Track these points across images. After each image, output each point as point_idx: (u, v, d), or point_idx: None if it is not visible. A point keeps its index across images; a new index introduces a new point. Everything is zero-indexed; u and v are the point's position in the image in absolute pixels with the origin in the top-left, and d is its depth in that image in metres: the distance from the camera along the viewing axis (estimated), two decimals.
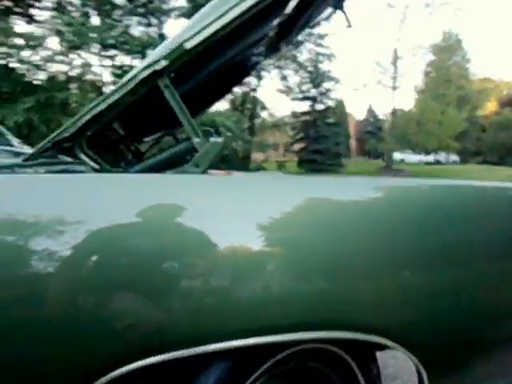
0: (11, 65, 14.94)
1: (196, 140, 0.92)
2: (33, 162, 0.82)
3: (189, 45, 0.87)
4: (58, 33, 14.84)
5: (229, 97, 20.32)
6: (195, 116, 1.88)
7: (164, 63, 0.86)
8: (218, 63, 1.16)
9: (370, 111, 40.34)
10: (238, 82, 1.78)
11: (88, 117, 0.81)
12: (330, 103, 25.68)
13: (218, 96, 1.84)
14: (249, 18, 0.91)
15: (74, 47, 14.96)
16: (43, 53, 15.11)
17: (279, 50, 2.23)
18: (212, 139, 0.94)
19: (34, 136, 15.90)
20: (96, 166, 0.89)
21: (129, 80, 0.83)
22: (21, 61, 14.87)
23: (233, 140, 15.95)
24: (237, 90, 21.09)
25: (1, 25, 13.84)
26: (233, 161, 19.32)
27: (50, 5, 16.09)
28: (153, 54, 0.87)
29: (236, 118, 16.42)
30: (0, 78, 14.39)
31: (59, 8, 15.78)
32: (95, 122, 0.84)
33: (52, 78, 15.60)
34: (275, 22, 1.23)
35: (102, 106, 0.82)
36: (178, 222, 0.70)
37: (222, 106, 21.26)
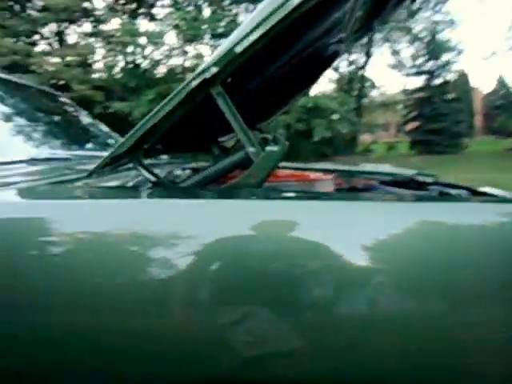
0: (137, 62, 16.73)
1: (251, 150, 0.89)
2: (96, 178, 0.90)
3: (240, 48, 0.84)
4: (176, 27, 16.07)
5: (334, 76, 19.63)
6: (271, 117, 1.83)
7: (214, 70, 0.84)
8: (282, 62, 1.10)
9: (501, 82, 34.94)
10: (315, 77, 1.66)
11: (143, 130, 0.84)
12: (450, 77, 22.98)
13: (291, 95, 1.75)
14: (311, 7, 0.84)
15: (188, 40, 16.06)
16: (163, 48, 16.55)
17: (372, 30, 2.04)
18: (268, 148, 0.91)
19: None
20: (153, 179, 0.93)
21: (181, 89, 0.84)
22: (144, 57, 16.54)
23: (337, 123, 15.44)
24: (343, 69, 20.24)
25: (128, 26, 15.52)
26: (338, 144, 18.77)
27: (168, 2, 17.43)
28: (206, 61, 0.85)
29: (341, 98, 15.81)
30: (128, 75, 16.33)
31: (175, 4, 17.01)
32: (150, 135, 0.87)
33: (170, 71, 17.07)
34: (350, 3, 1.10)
35: (156, 119, 0.85)
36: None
37: (327, 87, 20.71)
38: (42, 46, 17.12)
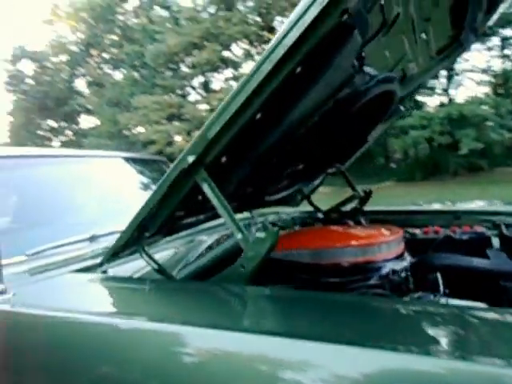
0: None
1: (239, 236, 0.82)
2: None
3: (212, 133, 0.79)
4: None
5: (484, 78, 17.17)
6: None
7: (191, 159, 0.81)
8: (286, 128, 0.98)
9: None
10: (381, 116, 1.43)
11: (138, 221, 0.85)
12: None
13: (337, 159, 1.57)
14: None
15: None
16: None
17: (464, 44, 1.71)
18: (258, 234, 0.81)
19: None
20: (155, 267, 0.92)
21: (163, 181, 0.83)
22: None
23: (490, 130, 13.30)
24: (496, 67, 17.57)
25: None
26: (496, 154, 16.10)
27: None
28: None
29: (494, 102, 13.63)
30: None
31: None
32: (149, 224, 0.89)
33: None
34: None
35: (145, 211, 0.85)
36: None
37: (477, 90, 18.19)
38: (192, 96, 19.82)
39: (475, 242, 1.45)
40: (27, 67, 24.16)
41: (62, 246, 1.18)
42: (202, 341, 0.64)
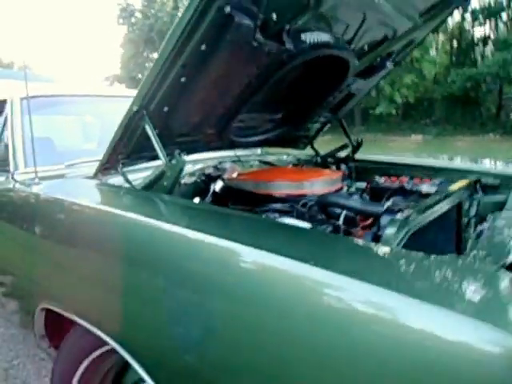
0: None
1: (163, 161, 1.22)
2: None
3: (146, 90, 1.17)
4: None
5: None
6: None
7: (135, 109, 1.21)
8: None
9: None
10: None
11: (110, 150, 1.30)
12: None
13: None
14: None
15: None
16: None
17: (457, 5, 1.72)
18: (172, 161, 1.22)
19: (380, 97, 17.35)
20: (126, 179, 1.37)
21: (122, 120, 1.25)
22: None
23: None
24: None
25: None
26: None
27: None
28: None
29: None
30: None
31: None
32: (120, 151, 1.34)
33: None
34: None
35: (113, 142, 1.29)
36: None
37: None
38: None
39: (417, 193, 1.66)
40: (136, 0, 25.66)
41: (88, 162, 1.70)
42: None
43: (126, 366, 1.12)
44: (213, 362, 0.82)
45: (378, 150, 8.46)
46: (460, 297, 0.61)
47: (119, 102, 1.96)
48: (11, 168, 1.64)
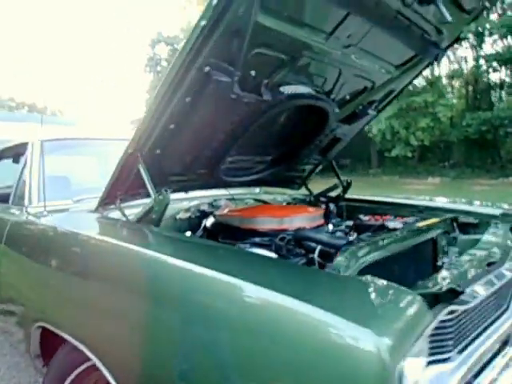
0: None
1: (153, 197, 1.38)
2: None
3: (140, 136, 1.35)
4: None
5: None
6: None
7: (129, 151, 1.39)
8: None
9: None
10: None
11: (108, 187, 1.49)
12: None
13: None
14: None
15: None
16: None
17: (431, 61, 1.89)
18: (160, 197, 1.38)
19: (395, 140, 17.56)
20: (124, 218, 1.54)
21: (118, 163, 1.43)
22: None
23: None
24: None
25: None
26: None
27: None
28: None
29: None
30: None
31: None
32: (119, 187, 1.51)
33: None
34: None
35: (112, 179, 1.47)
36: None
37: None
38: None
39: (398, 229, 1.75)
40: (163, 50, 27.41)
41: (94, 197, 1.88)
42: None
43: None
44: None
45: (393, 192, 8.47)
46: (357, 308, 0.72)
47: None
48: (26, 202, 1.85)
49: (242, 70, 1.30)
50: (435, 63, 1.98)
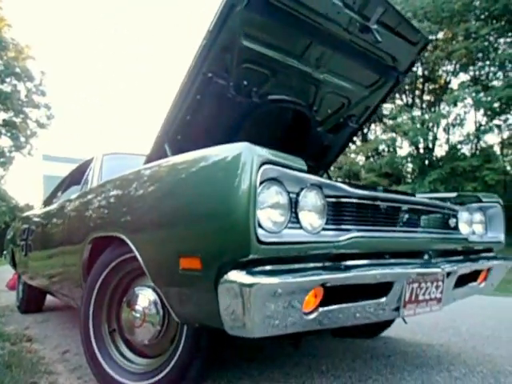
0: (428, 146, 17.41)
1: None
2: None
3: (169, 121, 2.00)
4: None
5: None
6: None
7: (159, 134, 2.02)
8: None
9: None
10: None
11: None
12: None
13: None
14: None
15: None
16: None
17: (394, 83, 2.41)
18: None
19: None
20: None
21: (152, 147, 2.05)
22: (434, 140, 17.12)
23: None
24: None
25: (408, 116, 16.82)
26: None
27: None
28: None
29: None
30: (413, 158, 17.33)
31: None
32: None
33: (452, 150, 16.79)
34: None
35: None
36: None
37: None
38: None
39: None
40: None
41: None
42: None
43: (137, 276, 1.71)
44: None
45: None
46: None
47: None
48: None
49: (236, 77, 1.93)
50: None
